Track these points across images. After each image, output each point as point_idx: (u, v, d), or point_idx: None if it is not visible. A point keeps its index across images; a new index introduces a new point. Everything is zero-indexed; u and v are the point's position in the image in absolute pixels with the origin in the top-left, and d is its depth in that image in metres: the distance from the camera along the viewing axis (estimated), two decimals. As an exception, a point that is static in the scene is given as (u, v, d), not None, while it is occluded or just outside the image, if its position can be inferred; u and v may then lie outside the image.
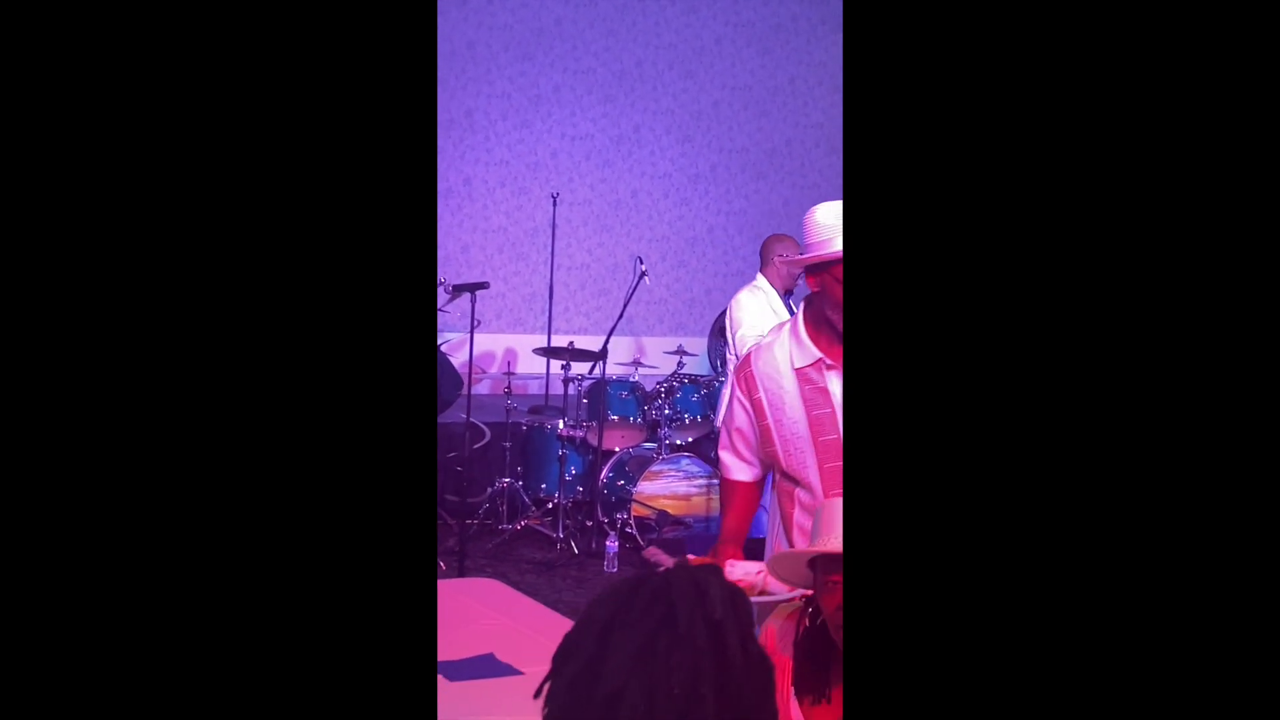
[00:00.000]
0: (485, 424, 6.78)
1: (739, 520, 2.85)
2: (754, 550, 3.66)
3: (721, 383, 6.96)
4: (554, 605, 3.83)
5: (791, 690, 2.12)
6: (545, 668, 1.17)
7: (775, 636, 2.20)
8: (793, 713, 2.12)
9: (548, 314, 7.48)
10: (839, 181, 7.87)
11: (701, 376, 6.90)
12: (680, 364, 6.84)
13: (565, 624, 1.34)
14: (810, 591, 2.18)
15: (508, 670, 2.57)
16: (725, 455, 2.86)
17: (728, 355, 5.68)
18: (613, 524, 6.23)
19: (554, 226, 7.58)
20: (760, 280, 5.68)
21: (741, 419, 2.76)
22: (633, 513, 6.19)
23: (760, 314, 5.43)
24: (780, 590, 2.30)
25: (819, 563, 2.08)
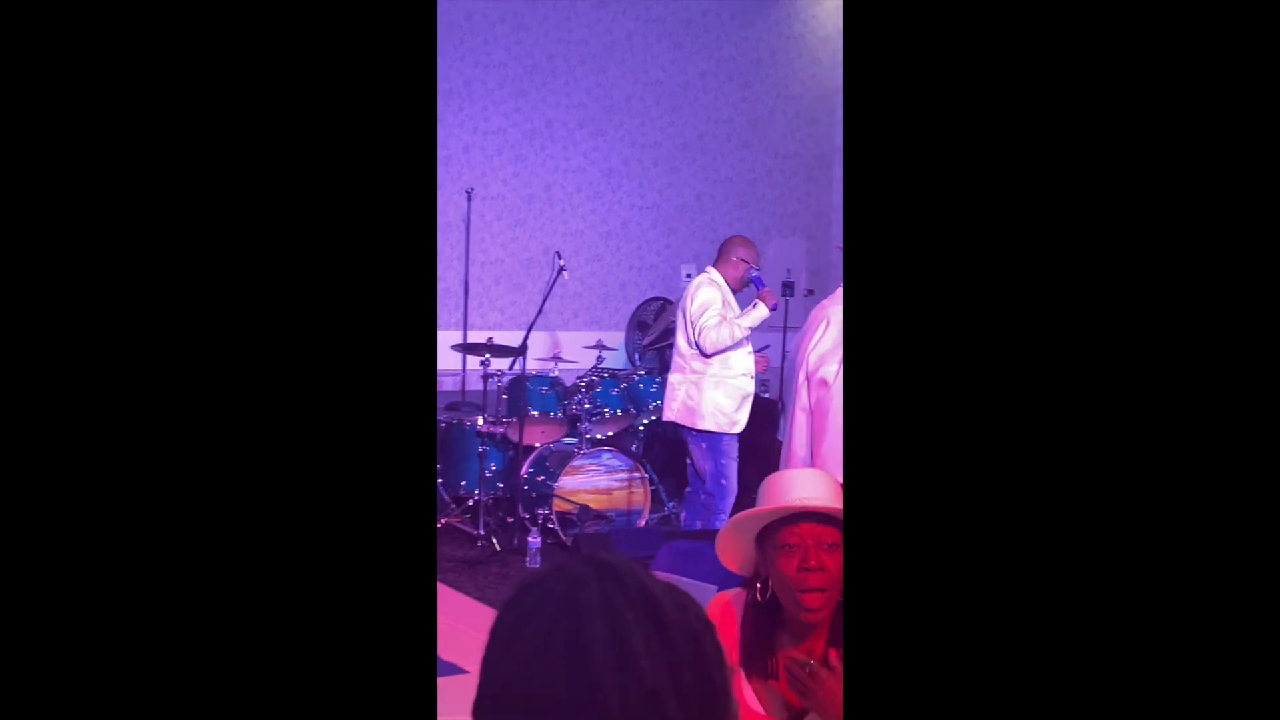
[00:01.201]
0: (403, 422, 6.70)
1: None
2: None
3: (641, 376, 6.99)
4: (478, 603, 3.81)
5: (740, 669, 2.14)
6: None
7: (718, 618, 2.22)
8: (744, 693, 2.14)
9: (463, 310, 7.43)
10: (751, 176, 7.96)
11: (621, 370, 6.92)
12: (600, 358, 6.85)
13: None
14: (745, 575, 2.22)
15: (452, 669, 2.55)
16: None
17: (688, 336, 5.72)
18: (534, 520, 6.21)
19: (468, 222, 7.53)
20: (714, 273, 5.84)
21: None
22: (554, 508, 6.18)
23: (720, 302, 5.74)
24: None
25: (769, 532, 2.12)
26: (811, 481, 2.16)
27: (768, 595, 2.14)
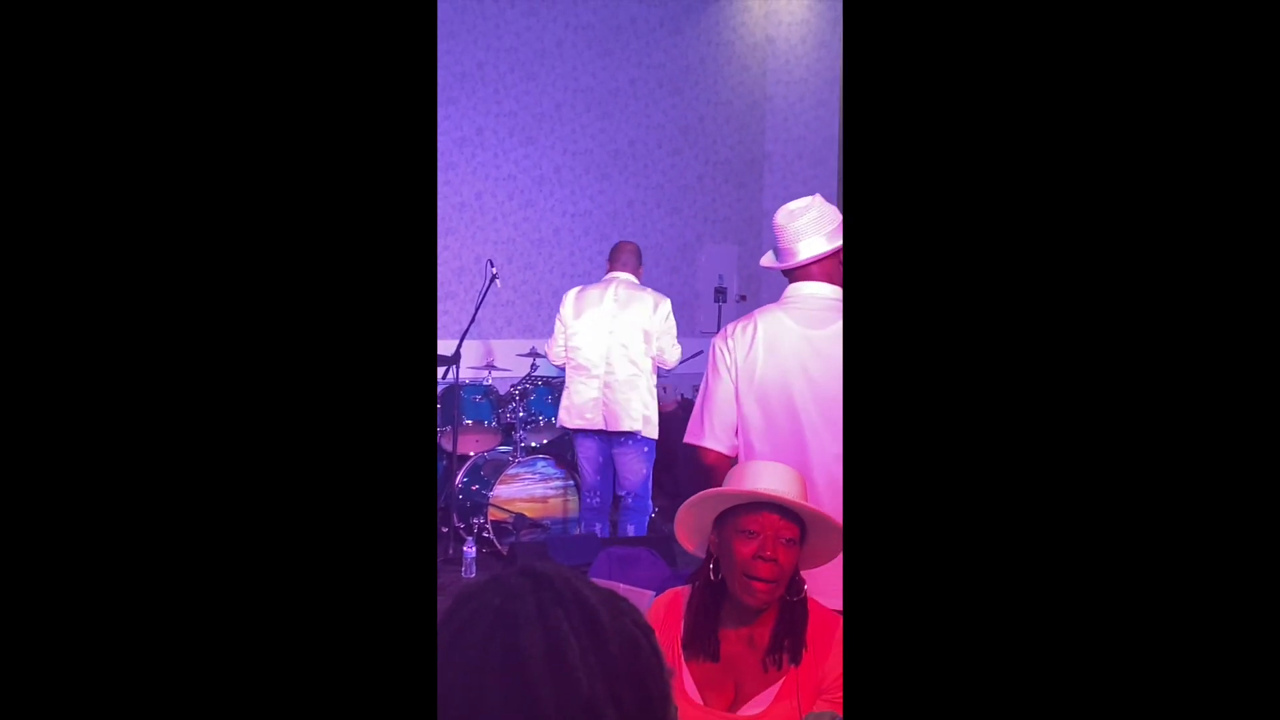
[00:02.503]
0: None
1: None
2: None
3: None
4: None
5: (681, 654, 2.16)
6: None
7: (664, 607, 2.24)
8: (685, 684, 2.16)
9: (395, 319, 7.37)
10: (682, 181, 7.96)
11: (554, 378, 6.91)
12: (534, 366, 6.82)
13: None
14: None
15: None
16: None
17: (647, 346, 5.66)
18: (470, 529, 6.17)
19: (399, 230, 7.48)
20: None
21: None
22: (490, 517, 6.15)
23: None
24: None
25: (731, 515, 2.17)
26: (781, 475, 2.20)
27: (718, 576, 2.18)
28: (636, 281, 5.78)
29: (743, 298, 8.54)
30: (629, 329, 5.63)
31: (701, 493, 2.22)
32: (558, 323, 5.76)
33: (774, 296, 2.84)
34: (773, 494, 2.14)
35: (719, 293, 7.80)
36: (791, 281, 2.73)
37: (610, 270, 5.82)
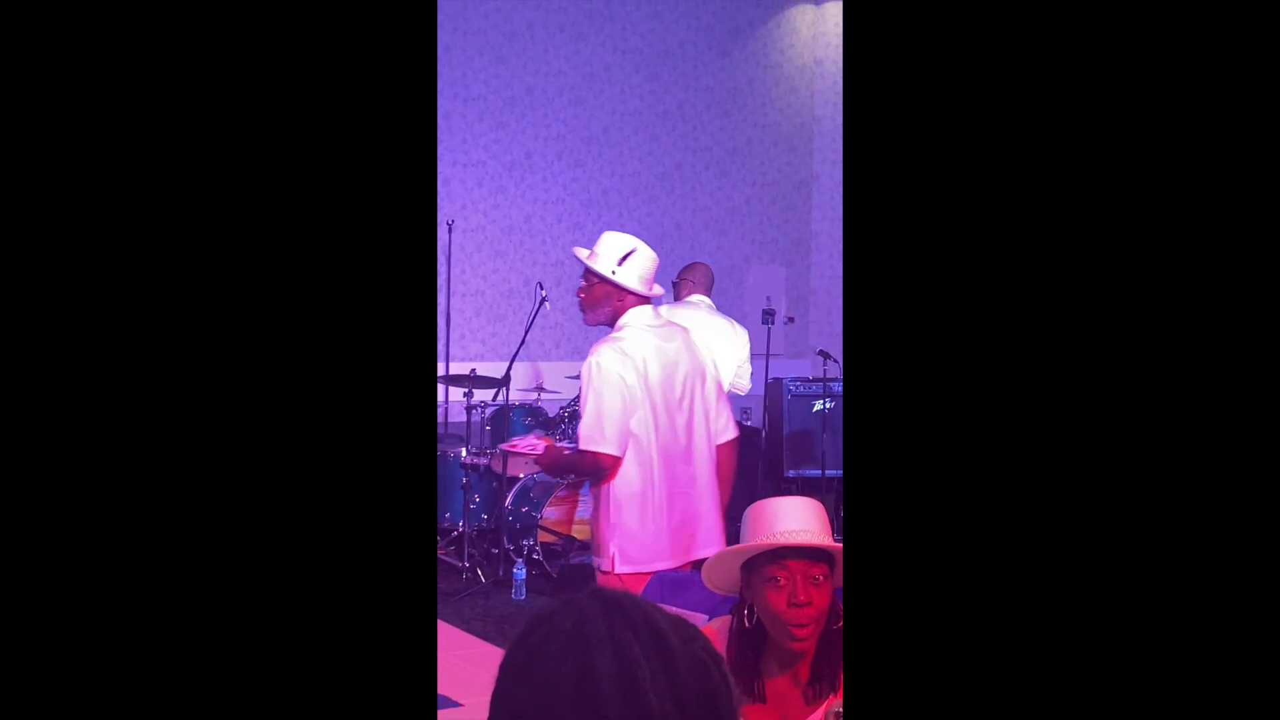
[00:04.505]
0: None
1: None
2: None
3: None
4: (465, 636, 3.81)
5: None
6: (484, 698, 1.16)
7: (713, 635, 2.22)
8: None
9: (445, 342, 7.43)
10: (730, 204, 7.96)
11: (603, 400, 6.90)
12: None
13: (494, 651, 1.31)
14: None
15: (447, 703, 2.54)
16: None
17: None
18: (519, 551, 6.19)
19: (449, 254, 7.53)
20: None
21: None
22: (539, 539, 6.16)
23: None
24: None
25: (756, 562, 2.12)
26: (799, 512, 2.14)
27: (754, 621, 2.15)
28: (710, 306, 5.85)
29: (790, 319, 8.51)
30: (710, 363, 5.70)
31: (720, 551, 2.21)
32: None
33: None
34: (788, 541, 2.07)
35: (766, 314, 7.78)
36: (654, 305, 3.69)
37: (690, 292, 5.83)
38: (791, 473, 7.54)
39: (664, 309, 5.67)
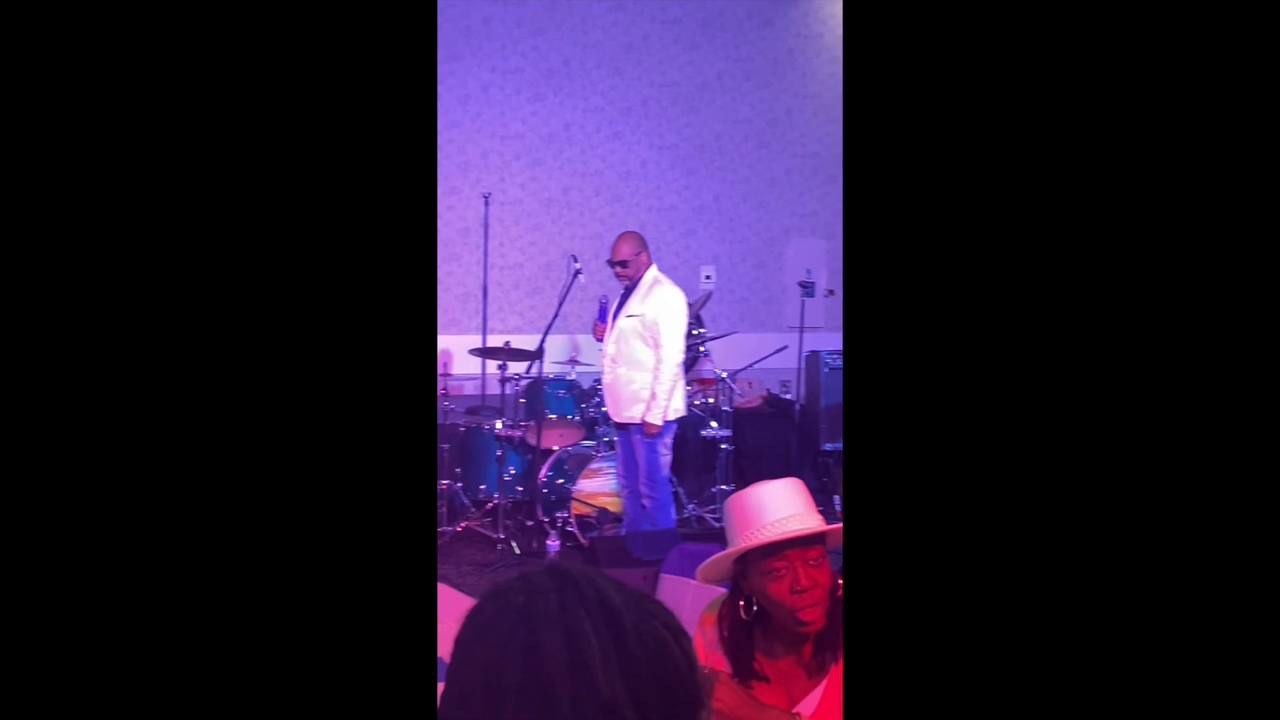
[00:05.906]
0: (422, 426, 6.72)
1: None
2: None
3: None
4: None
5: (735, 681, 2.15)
6: None
7: (701, 645, 2.22)
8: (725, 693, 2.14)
9: (483, 314, 7.45)
10: (769, 176, 7.90)
11: (638, 373, 6.90)
12: (616, 361, 6.84)
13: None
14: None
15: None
16: None
17: (655, 338, 5.70)
18: (553, 523, 6.22)
19: (486, 226, 7.55)
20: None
21: None
22: (573, 511, 6.19)
23: None
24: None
25: (751, 556, 2.11)
26: (785, 497, 2.12)
27: (753, 612, 2.14)
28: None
29: (830, 292, 8.46)
30: (631, 321, 5.70)
31: (712, 557, 2.18)
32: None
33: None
34: (784, 534, 2.05)
35: (805, 286, 7.73)
36: None
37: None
38: (828, 446, 7.51)
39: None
